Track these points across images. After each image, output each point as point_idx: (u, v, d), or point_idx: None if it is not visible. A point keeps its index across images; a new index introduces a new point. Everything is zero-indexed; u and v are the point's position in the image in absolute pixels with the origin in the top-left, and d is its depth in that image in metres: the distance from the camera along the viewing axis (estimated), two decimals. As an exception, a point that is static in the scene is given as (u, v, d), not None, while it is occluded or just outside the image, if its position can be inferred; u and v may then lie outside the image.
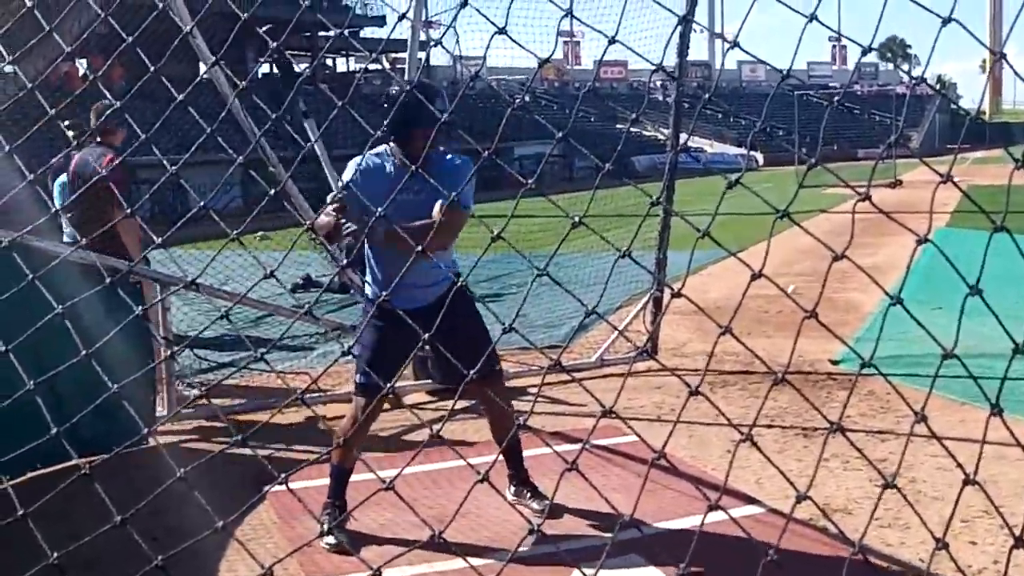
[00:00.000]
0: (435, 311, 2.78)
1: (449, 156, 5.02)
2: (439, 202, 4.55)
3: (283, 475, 2.09)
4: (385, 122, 4.66)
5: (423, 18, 9.08)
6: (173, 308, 7.38)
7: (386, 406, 7.31)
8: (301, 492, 5.19)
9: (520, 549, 4.61)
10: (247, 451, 2.51)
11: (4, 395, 2.43)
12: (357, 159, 4.79)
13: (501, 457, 5.34)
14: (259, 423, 6.69)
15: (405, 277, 4.59)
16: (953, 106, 76.32)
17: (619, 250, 2.07)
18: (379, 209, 2.41)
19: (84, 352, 2.22)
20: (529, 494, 5.30)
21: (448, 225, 4.67)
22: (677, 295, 1.99)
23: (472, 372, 2.30)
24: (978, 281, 1.82)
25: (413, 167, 3.19)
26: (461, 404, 7.21)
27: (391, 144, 4.93)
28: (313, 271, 13.81)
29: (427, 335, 2.28)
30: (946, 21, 1.78)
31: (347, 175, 4.97)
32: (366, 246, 5.04)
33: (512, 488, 5.34)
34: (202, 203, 2.20)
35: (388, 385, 2.46)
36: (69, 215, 7.80)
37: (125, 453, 4.54)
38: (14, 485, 2.27)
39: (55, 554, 2.06)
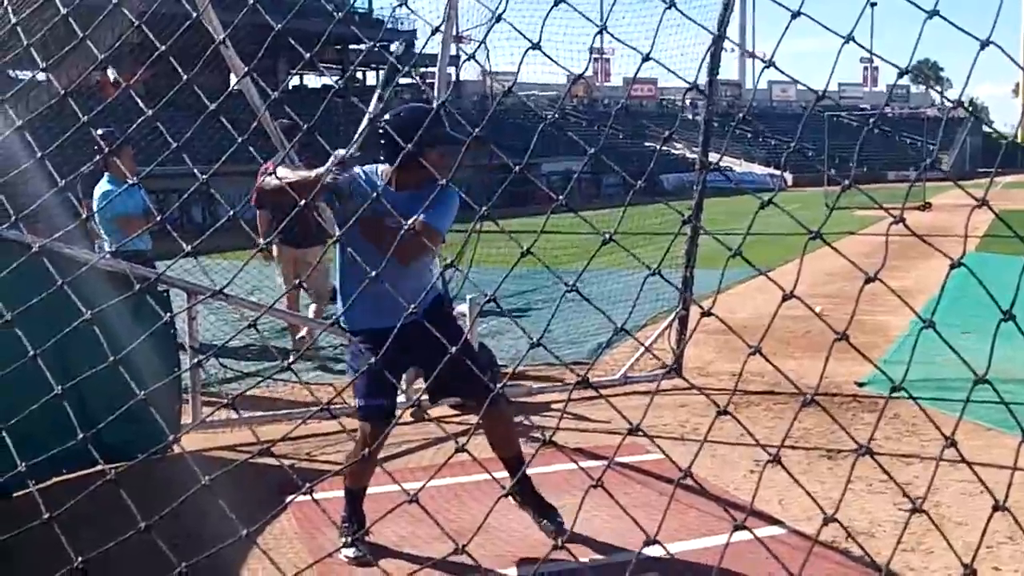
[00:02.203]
0: (422, 327, 2.74)
1: (437, 184, 4.92)
2: (419, 218, 4.34)
3: (307, 485, 2.10)
4: (382, 142, 4.66)
5: (454, 33, 9.09)
6: (199, 317, 7.41)
7: (408, 418, 7.32)
8: (324, 503, 5.21)
9: (540, 566, 4.62)
10: (272, 461, 2.51)
11: (33, 401, 2.44)
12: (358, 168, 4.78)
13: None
14: (283, 433, 6.73)
15: (392, 296, 4.60)
16: (986, 128, 75.86)
17: (649, 267, 2.06)
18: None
19: (112, 358, 2.23)
20: (537, 513, 5.11)
21: (421, 238, 4.42)
22: (707, 314, 1.98)
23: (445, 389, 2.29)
24: (1012, 306, 1.80)
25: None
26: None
27: (382, 167, 4.84)
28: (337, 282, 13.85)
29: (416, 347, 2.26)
30: (984, 44, 1.76)
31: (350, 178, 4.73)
32: (340, 269, 5.01)
33: (518, 502, 5.26)
34: (232, 212, 2.21)
35: (386, 404, 2.43)
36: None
37: (152, 460, 4.57)
38: (42, 489, 2.28)
39: (79, 559, 2.07)
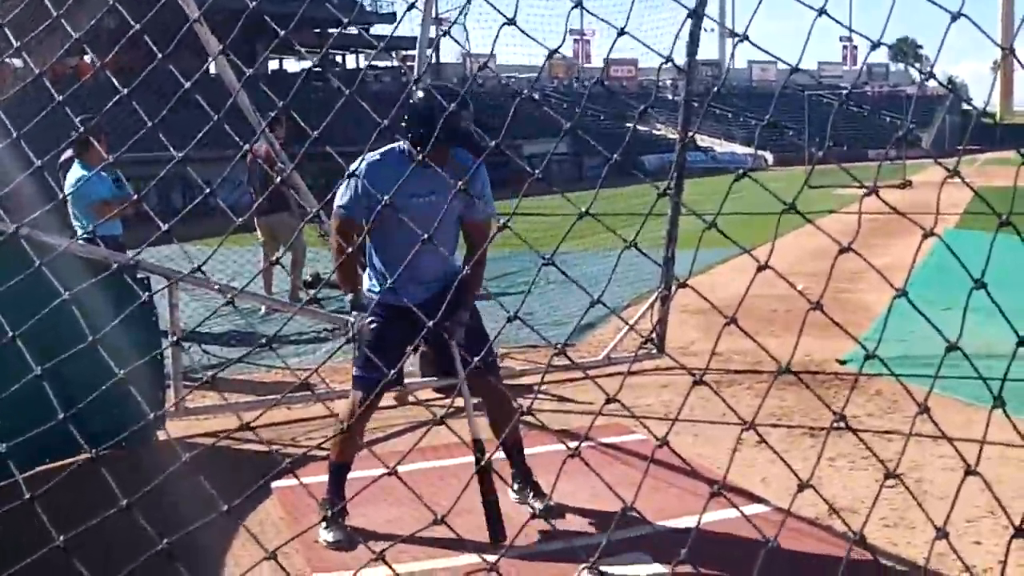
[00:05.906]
0: (438, 305, 2.81)
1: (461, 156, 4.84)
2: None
3: (287, 462, 2.10)
4: (405, 125, 4.68)
5: (433, 14, 9.07)
6: (181, 304, 7.39)
7: (392, 402, 7.32)
8: (310, 487, 5.21)
9: (526, 544, 4.64)
10: (259, 448, 2.51)
11: (17, 390, 2.43)
12: (360, 162, 4.57)
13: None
14: (267, 417, 6.73)
15: (413, 273, 4.67)
16: (965, 106, 76.01)
17: (625, 240, 2.07)
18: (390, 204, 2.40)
19: (86, 341, 2.22)
20: (532, 493, 5.25)
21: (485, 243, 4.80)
22: (683, 285, 1.99)
23: (467, 362, 2.32)
24: (983, 275, 1.82)
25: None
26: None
27: (405, 144, 4.83)
28: (322, 267, 13.83)
29: (432, 323, 2.29)
30: (955, 17, 1.77)
31: (349, 187, 4.82)
32: (368, 242, 4.98)
33: (516, 486, 5.30)
34: (207, 190, 2.20)
35: (385, 376, 2.45)
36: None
37: (140, 449, 4.56)
38: (25, 477, 2.28)
39: (62, 536, 2.08)
